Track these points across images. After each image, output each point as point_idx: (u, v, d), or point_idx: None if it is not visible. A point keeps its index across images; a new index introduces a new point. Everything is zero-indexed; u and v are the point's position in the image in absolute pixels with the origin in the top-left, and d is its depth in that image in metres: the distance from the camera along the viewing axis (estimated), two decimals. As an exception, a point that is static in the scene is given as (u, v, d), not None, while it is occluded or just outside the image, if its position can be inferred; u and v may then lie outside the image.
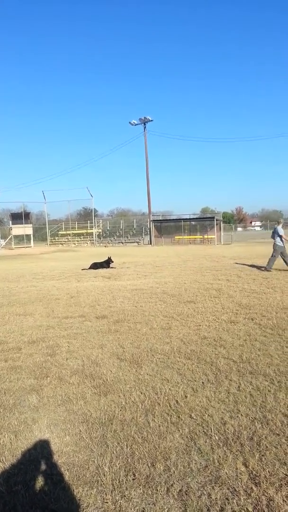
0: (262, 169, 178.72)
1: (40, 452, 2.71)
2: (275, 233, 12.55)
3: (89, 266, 15.35)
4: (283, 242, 12.31)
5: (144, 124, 42.99)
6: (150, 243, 40.99)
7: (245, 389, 3.54)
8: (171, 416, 3.11)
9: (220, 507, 2.16)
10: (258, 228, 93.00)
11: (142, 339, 5.19)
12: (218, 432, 2.87)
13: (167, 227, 43.79)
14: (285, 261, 12.17)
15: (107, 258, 15.64)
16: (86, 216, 61.58)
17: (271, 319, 5.94)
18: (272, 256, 12.35)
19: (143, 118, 42.74)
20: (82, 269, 15.10)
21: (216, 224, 40.48)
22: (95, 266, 15.26)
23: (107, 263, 15.40)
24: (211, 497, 2.23)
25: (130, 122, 43.67)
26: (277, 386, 3.60)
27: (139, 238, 45.97)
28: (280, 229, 12.51)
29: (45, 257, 25.64)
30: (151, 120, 43.21)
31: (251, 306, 6.89)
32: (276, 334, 5.19)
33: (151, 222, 41.93)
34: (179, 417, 3.09)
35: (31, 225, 47.14)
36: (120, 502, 2.22)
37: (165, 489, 2.31)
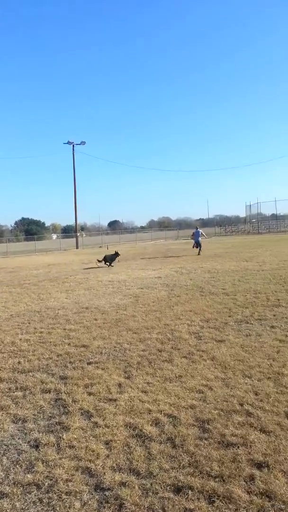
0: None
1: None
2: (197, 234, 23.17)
3: (102, 258, 18.82)
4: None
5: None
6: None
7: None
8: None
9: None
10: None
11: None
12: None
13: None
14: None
15: (115, 252, 19.29)
16: None
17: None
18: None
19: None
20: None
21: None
22: (105, 259, 18.62)
23: (114, 257, 18.79)
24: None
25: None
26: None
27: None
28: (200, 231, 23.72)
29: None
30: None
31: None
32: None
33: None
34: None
35: None
36: None
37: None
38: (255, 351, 5.42)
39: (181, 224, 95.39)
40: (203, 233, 24.33)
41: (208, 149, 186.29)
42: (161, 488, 2.79)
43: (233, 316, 7.37)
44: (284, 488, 2.69)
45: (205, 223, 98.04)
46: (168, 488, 2.79)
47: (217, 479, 2.83)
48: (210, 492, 2.71)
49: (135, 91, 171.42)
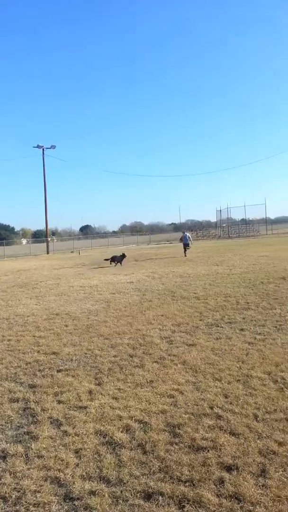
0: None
1: None
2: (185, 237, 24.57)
3: (110, 258, 20.85)
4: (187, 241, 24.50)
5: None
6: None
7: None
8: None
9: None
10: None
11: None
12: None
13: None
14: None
15: (122, 254, 21.00)
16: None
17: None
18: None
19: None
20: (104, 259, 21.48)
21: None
22: (113, 259, 20.56)
23: (121, 258, 20.56)
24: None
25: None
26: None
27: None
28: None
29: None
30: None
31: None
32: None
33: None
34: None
35: None
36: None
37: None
38: (225, 354, 5.49)
39: (153, 229, 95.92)
40: (190, 237, 25.74)
41: (180, 154, 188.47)
42: (131, 495, 2.76)
43: (204, 320, 7.45)
44: (252, 489, 2.72)
45: (177, 227, 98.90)
46: (138, 495, 2.77)
47: (187, 484, 2.84)
48: (180, 497, 2.71)
49: (106, 95, 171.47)
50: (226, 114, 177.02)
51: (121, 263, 20.26)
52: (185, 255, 23.49)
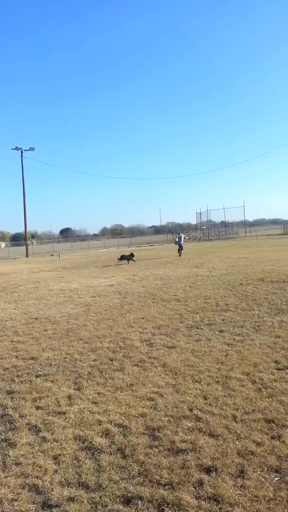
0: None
1: None
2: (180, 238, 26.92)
3: (120, 256, 23.15)
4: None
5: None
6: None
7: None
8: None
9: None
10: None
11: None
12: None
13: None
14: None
15: (130, 253, 23.39)
16: None
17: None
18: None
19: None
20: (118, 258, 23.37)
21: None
22: (122, 258, 22.90)
23: (130, 256, 22.90)
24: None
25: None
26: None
27: None
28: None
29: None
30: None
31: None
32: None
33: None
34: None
35: None
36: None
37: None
38: (205, 356, 5.53)
39: (134, 232, 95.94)
40: (185, 237, 28.97)
41: (161, 157, 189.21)
42: (111, 500, 2.75)
43: (184, 322, 7.48)
44: (231, 490, 2.74)
45: (157, 230, 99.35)
46: (117, 500, 2.75)
47: (166, 487, 2.84)
48: (159, 500, 2.71)
49: (88, 97, 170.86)
50: (204, 117, 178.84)
51: (128, 261, 22.63)
52: (180, 255, 25.23)
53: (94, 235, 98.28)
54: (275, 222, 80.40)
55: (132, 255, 23.27)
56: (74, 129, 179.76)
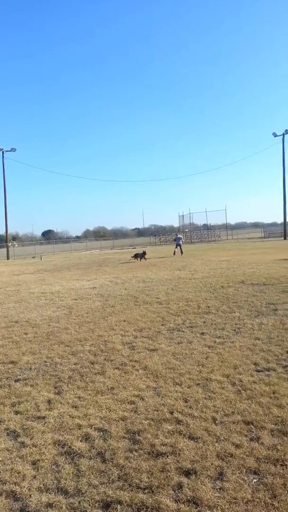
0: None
1: None
2: (178, 239, 29.56)
3: (133, 255, 25.72)
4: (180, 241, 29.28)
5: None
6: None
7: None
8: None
9: None
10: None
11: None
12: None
13: None
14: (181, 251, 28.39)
15: (143, 252, 25.92)
16: None
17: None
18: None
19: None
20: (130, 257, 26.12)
21: None
22: (136, 256, 25.27)
23: (142, 255, 25.28)
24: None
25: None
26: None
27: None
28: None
29: None
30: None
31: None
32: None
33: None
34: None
35: None
36: None
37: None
38: (186, 358, 5.55)
39: (117, 234, 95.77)
40: (182, 238, 32.25)
41: (144, 159, 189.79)
42: (89, 505, 2.73)
43: (166, 325, 7.50)
44: (210, 493, 2.75)
45: (140, 232, 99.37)
46: (96, 504, 2.74)
47: (146, 491, 2.83)
48: (139, 504, 2.70)
49: (69, 98, 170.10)
50: (184, 119, 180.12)
51: (140, 259, 24.86)
52: (174, 254, 28.31)
53: (77, 237, 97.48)
54: (256, 225, 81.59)
55: (144, 253, 25.80)
56: (57, 130, 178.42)
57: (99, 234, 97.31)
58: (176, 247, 29.16)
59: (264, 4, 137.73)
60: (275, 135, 47.22)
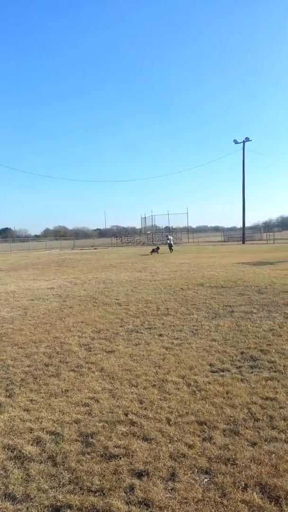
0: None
1: None
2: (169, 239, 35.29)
3: (151, 251, 31.51)
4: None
5: None
6: None
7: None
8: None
9: None
10: None
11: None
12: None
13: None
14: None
15: (156, 247, 32.21)
16: None
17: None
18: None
19: None
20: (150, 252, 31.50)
21: None
22: (153, 251, 31.10)
23: (157, 249, 31.39)
24: None
25: None
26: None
27: None
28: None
29: None
30: None
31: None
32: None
33: None
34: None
35: None
36: None
37: None
38: (143, 360, 5.55)
39: (78, 234, 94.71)
40: (172, 240, 36.30)
41: (107, 161, 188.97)
42: (38, 511, 2.64)
43: (124, 326, 7.47)
44: (161, 494, 2.75)
45: (102, 233, 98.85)
46: (45, 510, 2.66)
47: (97, 494, 2.79)
48: (89, 508, 2.65)
49: (41, 98, 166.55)
50: (151, 122, 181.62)
51: (151, 253, 30.34)
52: (171, 251, 32.79)
53: (36, 236, 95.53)
54: (216, 229, 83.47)
55: (158, 248, 31.81)
56: (18, 126, 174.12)
57: (60, 234, 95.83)
58: (169, 247, 34.12)
59: (234, 13, 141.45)
60: (236, 142, 48.51)
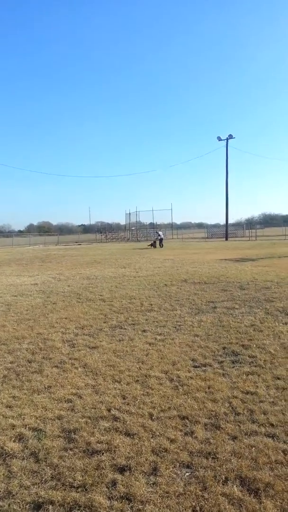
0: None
1: None
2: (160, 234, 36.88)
3: (149, 244, 34.97)
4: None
5: None
6: None
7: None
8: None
9: None
10: None
11: None
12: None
13: None
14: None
15: (154, 241, 35.11)
16: None
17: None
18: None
19: None
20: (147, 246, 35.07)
21: None
22: (151, 245, 34.51)
23: (154, 244, 34.59)
24: None
25: None
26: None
27: None
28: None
29: None
30: None
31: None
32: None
33: None
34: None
35: None
36: None
37: None
38: (126, 356, 5.57)
39: (62, 230, 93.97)
40: (162, 235, 37.88)
41: (92, 156, 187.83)
42: (20, 507, 2.64)
43: (108, 322, 7.47)
44: (143, 488, 2.78)
45: (86, 229, 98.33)
46: (27, 506, 2.66)
47: (79, 489, 2.80)
48: (71, 503, 2.66)
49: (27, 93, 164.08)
50: (137, 119, 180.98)
51: (151, 247, 33.74)
52: (162, 246, 34.48)
53: (20, 231, 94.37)
54: (200, 226, 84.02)
55: (155, 242, 34.93)
56: (6, 121, 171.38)
57: (44, 229, 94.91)
58: (160, 243, 35.59)
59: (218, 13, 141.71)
60: (219, 139, 48.75)
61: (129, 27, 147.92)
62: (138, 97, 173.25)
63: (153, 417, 3.78)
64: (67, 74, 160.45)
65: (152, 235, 48.57)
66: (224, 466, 3.01)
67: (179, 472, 2.98)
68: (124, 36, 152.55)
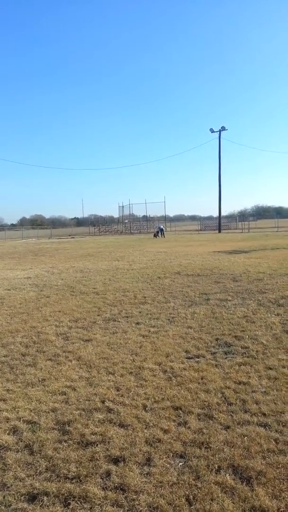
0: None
1: None
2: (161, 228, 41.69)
3: (153, 234, 39.68)
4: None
5: None
6: None
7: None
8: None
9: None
10: None
11: None
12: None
13: None
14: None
15: (157, 231, 40.32)
16: None
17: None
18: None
19: None
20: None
21: None
22: (154, 235, 38.69)
23: (157, 233, 39.70)
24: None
25: None
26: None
27: None
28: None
29: None
30: None
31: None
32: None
33: None
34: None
35: None
36: None
37: None
38: (120, 348, 5.59)
39: (55, 223, 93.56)
40: (164, 228, 42.49)
41: (85, 148, 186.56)
42: (15, 499, 2.66)
43: (101, 315, 7.48)
44: (137, 479, 2.81)
45: (79, 222, 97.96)
46: (22, 498, 2.68)
47: (74, 481, 2.82)
48: (66, 495, 2.69)
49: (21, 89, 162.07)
50: (131, 111, 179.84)
51: (155, 237, 37.88)
52: (156, 237, 38.29)
53: (12, 225, 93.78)
54: (193, 218, 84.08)
55: (158, 232, 39.93)
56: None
57: (36, 223, 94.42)
58: (161, 235, 39.54)
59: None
60: (212, 131, 48.63)
61: (129, 27, 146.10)
62: (133, 91, 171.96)
63: (147, 408, 3.81)
64: (65, 73, 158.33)
65: (154, 227, 49.41)
66: (217, 455, 3.05)
67: (172, 462, 3.01)
68: (124, 35, 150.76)
